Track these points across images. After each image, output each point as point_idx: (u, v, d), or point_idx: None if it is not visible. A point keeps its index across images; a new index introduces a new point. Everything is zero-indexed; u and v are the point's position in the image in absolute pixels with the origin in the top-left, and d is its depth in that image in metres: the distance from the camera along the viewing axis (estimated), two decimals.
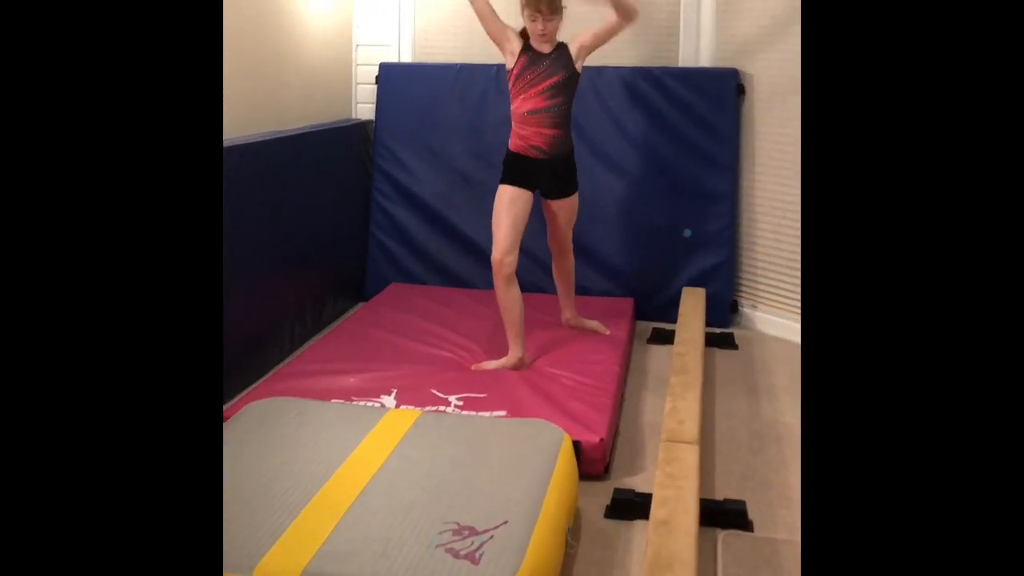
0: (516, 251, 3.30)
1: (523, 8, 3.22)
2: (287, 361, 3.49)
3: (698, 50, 4.31)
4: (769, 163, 4.10)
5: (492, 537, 1.88)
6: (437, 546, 1.85)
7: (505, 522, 1.94)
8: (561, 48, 3.28)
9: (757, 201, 4.17)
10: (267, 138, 3.58)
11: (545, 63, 3.25)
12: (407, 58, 4.65)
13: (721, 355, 3.83)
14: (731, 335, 4.02)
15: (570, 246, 3.63)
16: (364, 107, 4.69)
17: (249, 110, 3.64)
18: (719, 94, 4.17)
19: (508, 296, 3.28)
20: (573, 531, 2.21)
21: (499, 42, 3.30)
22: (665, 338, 3.91)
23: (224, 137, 3.25)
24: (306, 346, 3.74)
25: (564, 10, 3.24)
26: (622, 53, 4.29)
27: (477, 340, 3.62)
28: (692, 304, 3.86)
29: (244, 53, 3.59)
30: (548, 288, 4.01)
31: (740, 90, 4.15)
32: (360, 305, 4.36)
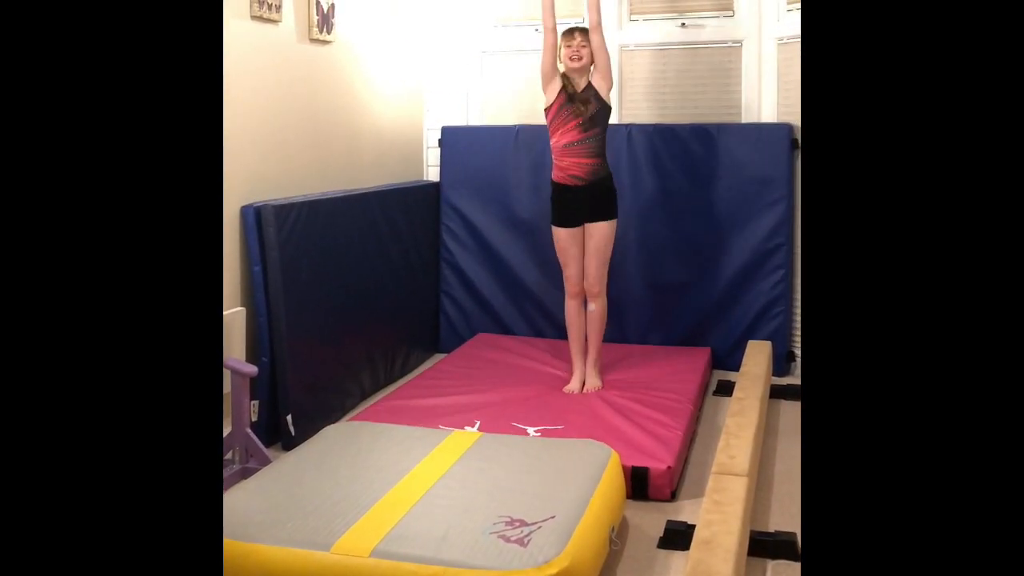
0: (583, 278, 3.91)
1: (560, 42, 3.79)
2: (360, 408, 3.89)
3: (760, 105, 4.62)
4: None
5: (540, 528, 2.17)
6: (491, 533, 2.15)
7: (553, 516, 2.23)
8: (591, 86, 3.79)
9: None
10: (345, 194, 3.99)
11: (580, 98, 3.75)
12: (476, 121, 5.06)
13: (786, 406, 4.03)
14: (797, 387, 4.21)
15: (601, 288, 3.93)
16: (435, 169, 5.08)
17: (336, 171, 4.15)
18: (774, 148, 4.44)
19: (580, 315, 3.94)
20: (618, 533, 2.47)
21: (549, 75, 3.81)
22: (731, 390, 4.13)
23: (304, 194, 3.74)
24: (381, 394, 4.11)
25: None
26: (685, 111, 4.71)
27: (555, 382, 4.00)
28: (755, 355, 4.09)
29: (324, 122, 4.10)
30: (615, 338, 4.45)
31: (795, 144, 4.43)
32: (436, 356, 4.78)
